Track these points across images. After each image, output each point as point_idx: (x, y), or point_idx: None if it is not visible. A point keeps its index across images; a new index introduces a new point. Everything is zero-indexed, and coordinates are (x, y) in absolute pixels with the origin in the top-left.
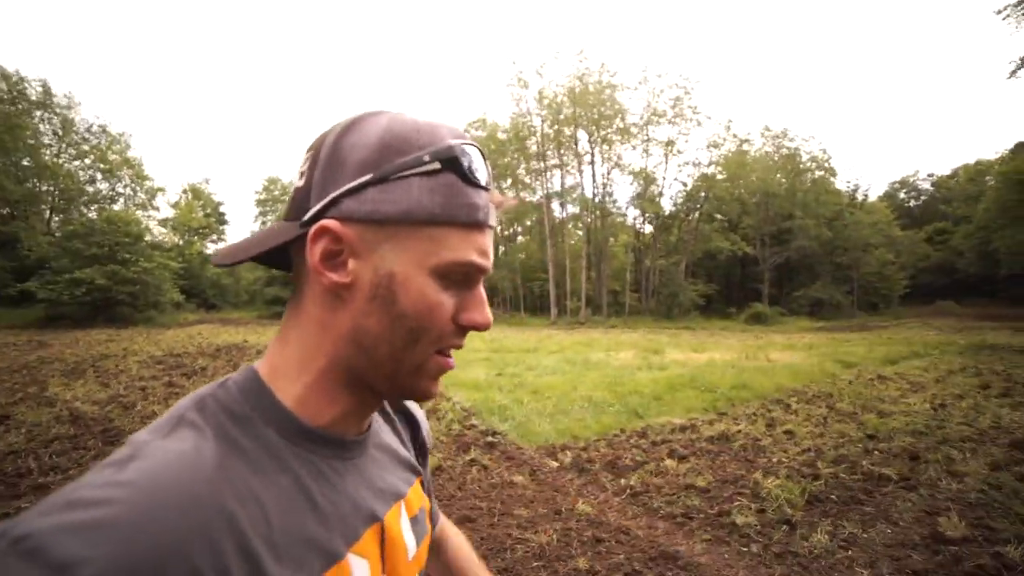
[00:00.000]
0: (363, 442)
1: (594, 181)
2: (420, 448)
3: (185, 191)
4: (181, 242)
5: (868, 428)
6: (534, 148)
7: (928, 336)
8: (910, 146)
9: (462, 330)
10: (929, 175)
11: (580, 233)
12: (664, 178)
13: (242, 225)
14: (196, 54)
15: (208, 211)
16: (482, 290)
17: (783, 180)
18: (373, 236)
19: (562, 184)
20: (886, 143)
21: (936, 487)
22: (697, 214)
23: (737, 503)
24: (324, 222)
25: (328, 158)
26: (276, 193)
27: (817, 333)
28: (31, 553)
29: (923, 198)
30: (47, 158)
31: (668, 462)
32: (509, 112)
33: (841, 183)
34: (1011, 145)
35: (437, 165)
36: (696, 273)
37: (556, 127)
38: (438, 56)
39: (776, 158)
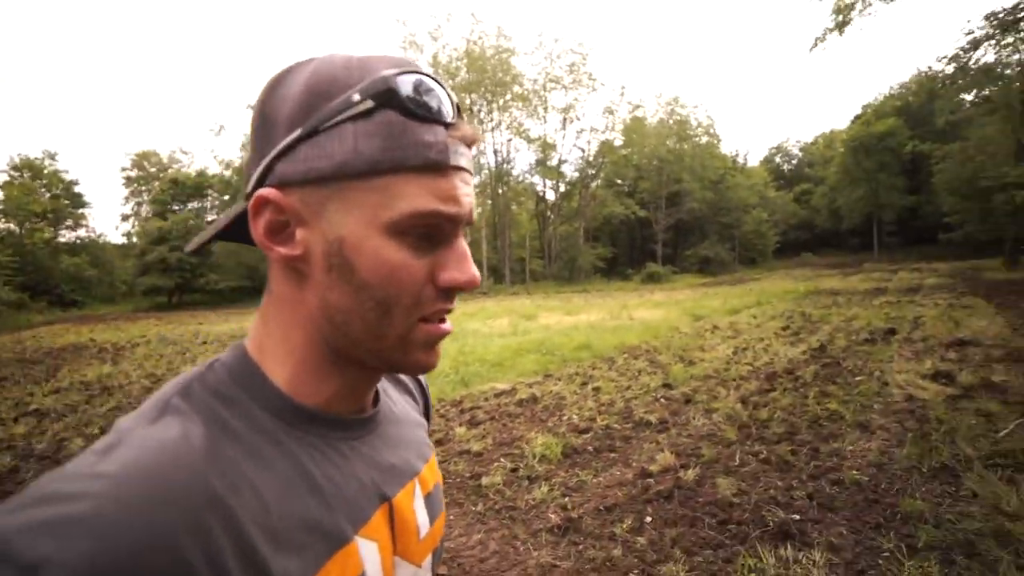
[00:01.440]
0: (370, 420)
1: (495, 150)
2: (427, 418)
3: (16, 168)
4: (19, 230)
5: (669, 377)
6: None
7: (782, 285)
8: (784, 115)
9: (444, 292)
10: (797, 141)
11: (483, 202)
12: (563, 145)
13: (111, 207)
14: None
15: (56, 191)
16: (463, 243)
17: (675, 146)
18: (315, 199)
19: None
20: (766, 112)
21: (685, 427)
22: (596, 180)
23: (497, 464)
24: (260, 192)
25: (259, 121)
26: (153, 170)
27: (697, 289)
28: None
29: (793, 162)
30: None
31: (459, 429)
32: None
33: (725, 149)
34: (855, 115)
35: (370, 103)
36: (598, 237)
37: (478, 82)
38: (321, 16)
39: (671, 124)
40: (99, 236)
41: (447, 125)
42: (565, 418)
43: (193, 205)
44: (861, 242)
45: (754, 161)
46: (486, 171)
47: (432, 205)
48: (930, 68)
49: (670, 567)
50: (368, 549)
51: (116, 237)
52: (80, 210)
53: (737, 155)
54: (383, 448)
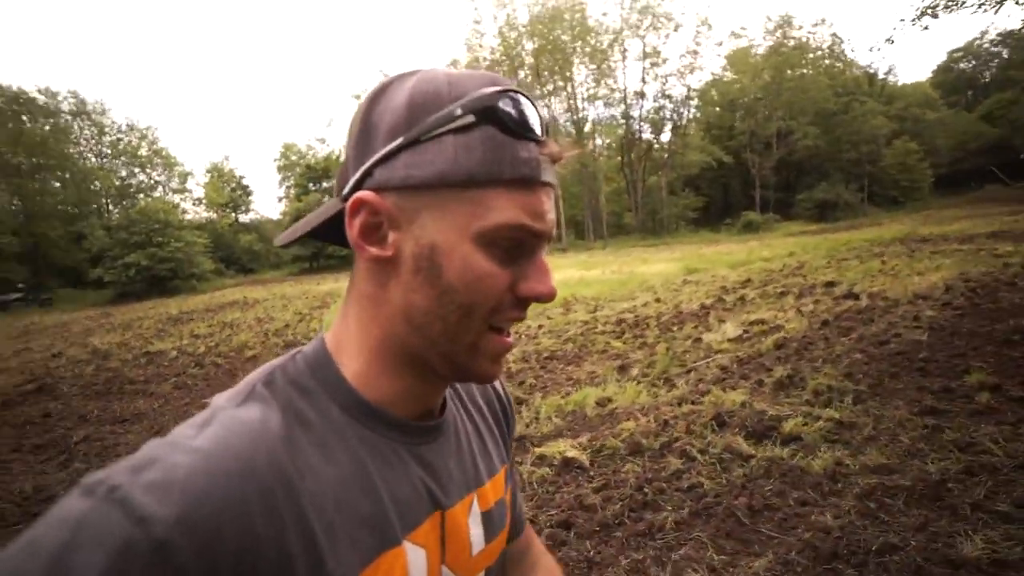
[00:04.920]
0: (434, 428)
1: (575, 103)
2: (509, 434)
3: (208, 171)
4: (214, 217)
5: (553, 323)
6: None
7: (891, 232)
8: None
9: (521, 302)
10: (1000, 35)
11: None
12: (644, 94)
13: (268, 194)
14: (196, 41)
15: (233, 186)
16: (543, 257)
17: (788, 74)
18: (410, 205)
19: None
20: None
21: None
22: (681, 127)
23: None
24: (359, 194)
25: (360, 129)
26: (293, 159)
27: (787, 238)
28: (120, 503)
29: (993, 64)
30: (93, 160)
31: None
32: (491, 42)
33: (865, 65)
34: None
35: (471, 118)
36: (697, 186)
37: (543, 49)
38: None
39: (783, 50)
40: (264, 217)
41: (539, 142)
42: None
43: (323, 186)
44: None
45: (915, 76)
46: (566, 123)
47: (521, 219)
48: None
49: None
50: (415, 554)
51: (276, 216)
52: (249, 197)
53: (875, 74)
54: (444, 457)
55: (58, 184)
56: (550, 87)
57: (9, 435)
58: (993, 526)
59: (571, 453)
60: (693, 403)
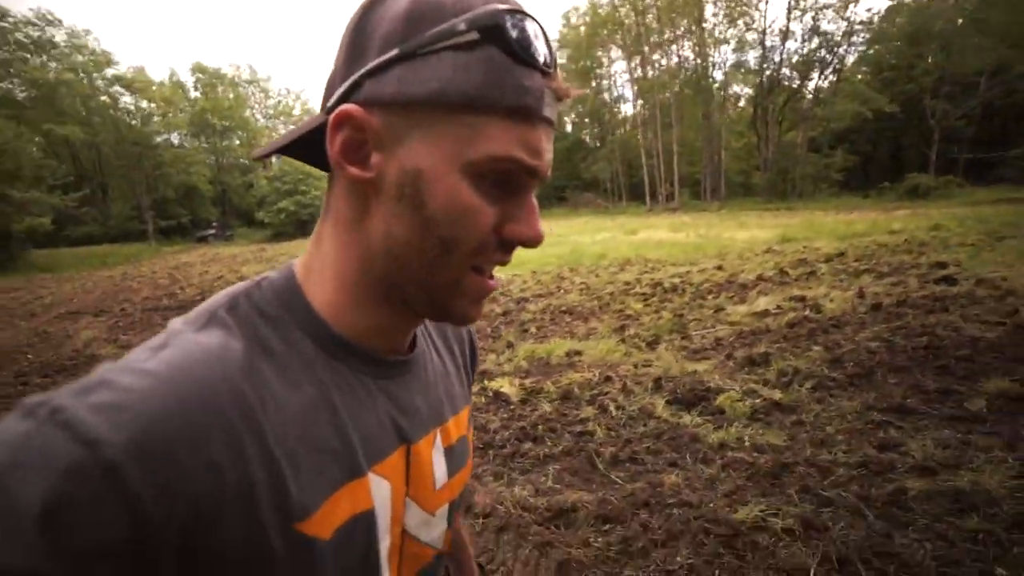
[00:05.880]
0: (403, 363)
1: (703, 49)
2: (473, 373)
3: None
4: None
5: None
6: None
7: None
8: None
9: (505, 244)
10: None
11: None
12: (789, 32)
13: None
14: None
15: None
16: (534, 199)
17: None
18: (400, 123)
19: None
20: None
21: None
22: (832, 72)
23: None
24: (344, 107)
25: (352, 36)
26: None
27: (965, 207)
28: (65, 424)
29: None
30: (260, 121)
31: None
32: None
33: None
34: None
35: (475, 35)
36: (852, 141)
37: None
38: None
39: None
40: None
41: (545, 73)
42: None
43: None
44: None
45: None
46: (692, 73)
47: (516, 152)
48: None
49: None
50: (380, 486)
51: None
52: None
53: None
54: (412, 393)
55: (238, 142)
56: (680, 30)
57: None
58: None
59: (505, 389)
60: (647, 365)
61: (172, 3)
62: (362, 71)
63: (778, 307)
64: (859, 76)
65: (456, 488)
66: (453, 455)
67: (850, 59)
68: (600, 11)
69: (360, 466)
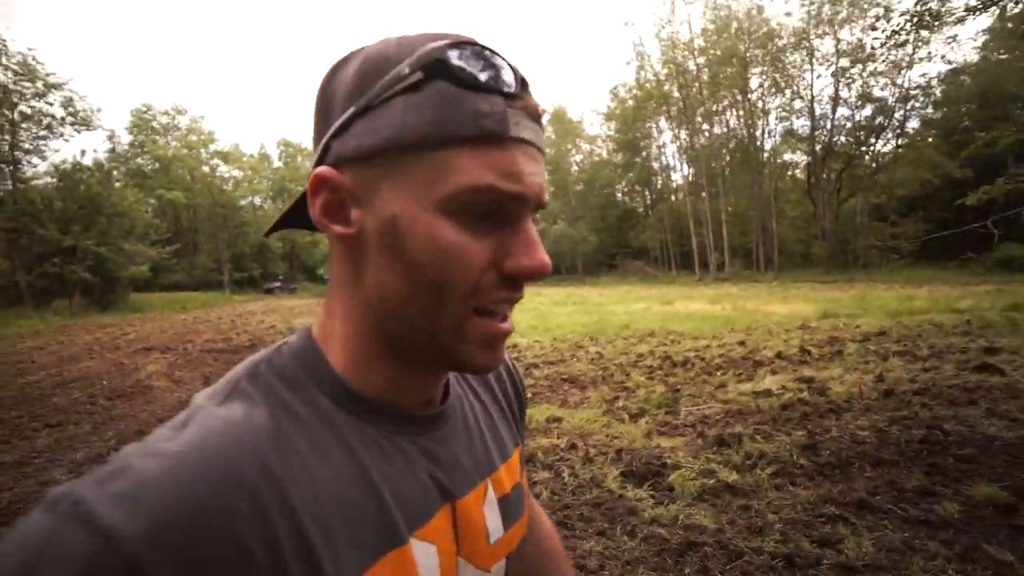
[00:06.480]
0: (436, 417)
1: (750, 120)
2: (521, 414)
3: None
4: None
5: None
6: (676, 96)
7: None
8: None
9: (508, 280)
10: None
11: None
12: (839, 98)
13: None
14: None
15: None
16: (531, 227)
17: None
18: (368, 176)
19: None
20: None
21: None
22: (891, 135)
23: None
24: (317, 170)
25: (320, 102)
26: None
27: None
28: (83, 517)
29: None
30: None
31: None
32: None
33: None
34: None
35: (420, 75)
36: (925, 208)
37: (715, 59)
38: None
39: None
40: None
41: (507, 96)
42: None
43: None
44: None
45: None
46: (731, 144)
47: (488, 179)
48: None
49: None
50: (424, 552)
51: None
52: None
53: None
54: (451, 446)
55: None
56: (725, 102)
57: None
58: None
59: None
60: (616, 437)
61: (265, 83)
62: (328, 133)
63: (781, 387)
64: (930, 139)
65: (514, 540)
66: (508, 504)
67: (912, 123)
68: (647, 85)
69: (400, 533)
